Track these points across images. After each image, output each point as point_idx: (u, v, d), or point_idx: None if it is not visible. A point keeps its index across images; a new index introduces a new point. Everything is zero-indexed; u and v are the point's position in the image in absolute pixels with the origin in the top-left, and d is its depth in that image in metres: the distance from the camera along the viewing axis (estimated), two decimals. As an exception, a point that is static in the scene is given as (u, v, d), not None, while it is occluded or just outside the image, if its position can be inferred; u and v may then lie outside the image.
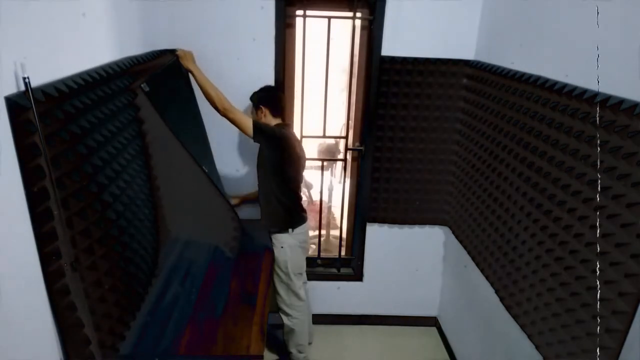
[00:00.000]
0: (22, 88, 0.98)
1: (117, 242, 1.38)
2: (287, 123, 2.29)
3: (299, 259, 2.29)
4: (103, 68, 1.40)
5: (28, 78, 0.96)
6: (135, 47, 1.82)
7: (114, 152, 1.42)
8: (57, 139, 1.09)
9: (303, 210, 2.28)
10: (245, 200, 2.50)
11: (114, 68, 1.44)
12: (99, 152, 1.31)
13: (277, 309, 2.34)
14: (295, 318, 2.33)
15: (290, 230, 2.21)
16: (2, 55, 0.94)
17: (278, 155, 2.09)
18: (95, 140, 1.29)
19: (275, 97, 2.20)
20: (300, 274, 2.35)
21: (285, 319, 2.34)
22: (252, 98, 2.21)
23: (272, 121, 2.17)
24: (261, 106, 2.16)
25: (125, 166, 1.51)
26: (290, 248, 2.22)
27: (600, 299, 1.29)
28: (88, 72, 1.30)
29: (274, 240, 2.23)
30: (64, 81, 1.15)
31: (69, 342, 1.15)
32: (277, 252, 2.23)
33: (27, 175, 1.00)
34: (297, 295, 2.31)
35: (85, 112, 1.24)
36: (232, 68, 2.31)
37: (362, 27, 2.44)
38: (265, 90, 2.22)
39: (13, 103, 0.95)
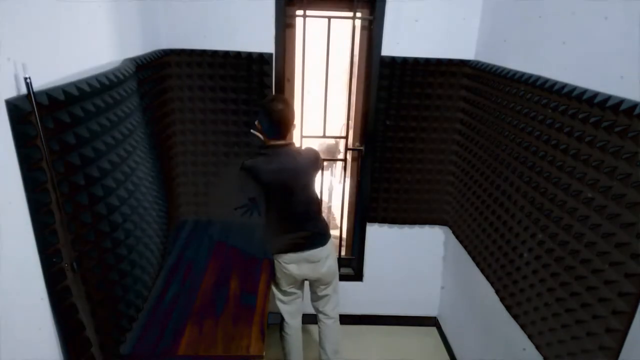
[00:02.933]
0: (23, 88, 0.97)
1: (123, 245, 1.38)
2: (281, 144, 1.97)
3: (280, 277, 2.17)
4: (106, 74, 1.39)
5: (29, 78, 0.95)
6: (135, 47, 1.81)
7: (124, 154, 1.42)
8: (61, 142, 1.08)
9: (290, 241, 2.06)
10: None
11: (116, 75, 1.44)
12: (109, 154, 1.31)
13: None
14: (283, 330, 2.29)
15: (273, 253, 2.12)
16: (2, 55, 0.94)
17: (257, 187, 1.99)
18: (105, 142, 1.29)
19: (272, 117, 1.91)
20: (285, 291, 2.21)
21: (281, 325, 2.33)
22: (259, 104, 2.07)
23: (267, 141, 1.98)
24: (257, 121, 1.98)
25: (135, 168, 1.51)
26: (276, 262, 2.14)
27: (600, 299, 1.29)
28: (96, 77, 1.30)
29: None
30: (65, 85, 1.14)
31: (69, 344, 1.15)
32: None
33: (28, 177, 1.00)
34: (280, 308, 2.24)
35: (93, 115, 1.23)
36: (232, 68, 2.31)
37: (362, 27, 2.44)
38: (264, 103, 1.97)
39: (13, 106, 0.94)
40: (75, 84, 1.16)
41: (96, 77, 1.29)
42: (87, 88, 1.20)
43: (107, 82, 1.34)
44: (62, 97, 1.08)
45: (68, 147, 1.11)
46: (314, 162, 2.05)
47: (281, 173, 1.94)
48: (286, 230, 2.06)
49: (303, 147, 2.14)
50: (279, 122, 1.92)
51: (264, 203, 2.04)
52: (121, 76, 1.47)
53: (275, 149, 1.96)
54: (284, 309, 2.26)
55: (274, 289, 2.24)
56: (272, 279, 2.21)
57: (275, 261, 2.14)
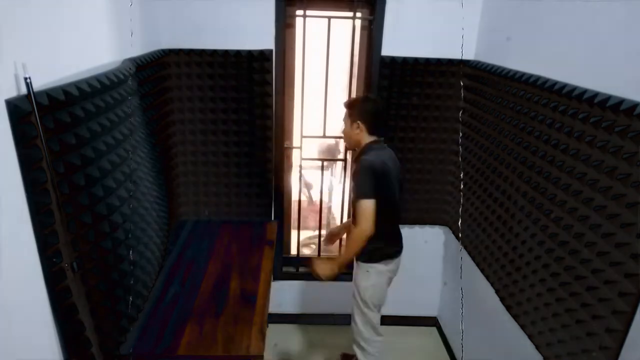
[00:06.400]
0: (23, 88, 0.97)
1: (123, 245, 1.38)
2: (378, 140, 2.01)
3: (382, 289, 2.10)
4: (106, 74, 1.39)
5: (29, 78, 0.95)
6: (135, 47, 1.81)
7: (124, 155, 1.42)
8: (61, 142, 1.08)
9: (398, 243, 2.11)
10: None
11: (117, 75, 1.44)
12: (109, 155, 1.31)
13: (352, 341, 2.19)
14: (371, 355, 2.14)
15: (380, 260, 2.05)
16: (2, 55, 0.94)
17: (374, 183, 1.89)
18: (105, 142, 1.29)
19: (375, 115, 1.98)
20: (379, 306, 2.13)
21: (359, 354, 2.16)
22: (348, 106, 2.03)
23: (366, 138, 1.99)
24: (359, 121, 1.97)
25: (135, 169, 1.51)
26: (377, 274, 2.05)
27: (600, 299, 1.29)
28: (97, 77, 1.30)
29: (360, 264, 2.08)
30: (65, 85, 1.14)
31: (69, 344, 1.15)
32: (361, 277, 2.07)
33: (28, 177, 1.00)
34: (375, 329, 2.12)
35: (93, 115, 1.23)
36: (232, 68, 2.31)
37: (362, 27, 2.44)
38: (365, 102, 2.00)
39: (13, 106, 0.94)
40: (76, 84, 1.16)
41: (96, 77, 1.29)
42: (87, 88, 1.20)
43: (107, 82, 1.34)
44: (62, 97, 1.08)
45: (68, 147, 1.11)
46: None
47: (395, 165, 2.01)
48: (396, 234, 2.12)
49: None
50: (382, 118, 2.04)
51: (378, 206, 1.89)
52: (121, 76, 1.47)
53: (380, 144, 2.01)
54: (376, 329, 2.13)
55: (368, 314, 2.09)
56: (365, 302, 2.07)
57: (377, 271, 2.05)
